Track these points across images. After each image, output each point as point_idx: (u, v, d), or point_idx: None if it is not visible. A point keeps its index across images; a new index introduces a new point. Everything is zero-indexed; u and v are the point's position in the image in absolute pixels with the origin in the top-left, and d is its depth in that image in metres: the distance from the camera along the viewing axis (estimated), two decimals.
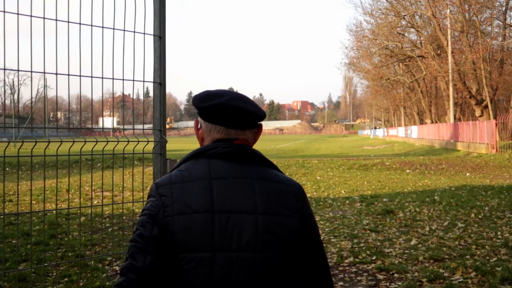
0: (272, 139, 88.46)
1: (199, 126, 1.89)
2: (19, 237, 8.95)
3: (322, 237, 8.65)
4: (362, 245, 8.05)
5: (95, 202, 13.43)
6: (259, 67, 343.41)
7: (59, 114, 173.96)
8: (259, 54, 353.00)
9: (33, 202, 13.58)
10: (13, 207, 12.86)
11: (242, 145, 1.80)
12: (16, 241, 8.64)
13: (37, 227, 9.99)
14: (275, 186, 1.78)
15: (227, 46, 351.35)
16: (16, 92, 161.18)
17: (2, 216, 10.87)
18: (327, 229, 9.40)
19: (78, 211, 11.92)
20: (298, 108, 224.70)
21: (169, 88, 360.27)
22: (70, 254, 7.70)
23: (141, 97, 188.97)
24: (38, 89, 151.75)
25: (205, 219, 1.67)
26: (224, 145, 1.78)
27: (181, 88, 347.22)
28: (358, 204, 12.36)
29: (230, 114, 1.77)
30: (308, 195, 14.17)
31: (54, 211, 11.79)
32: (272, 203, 1.74)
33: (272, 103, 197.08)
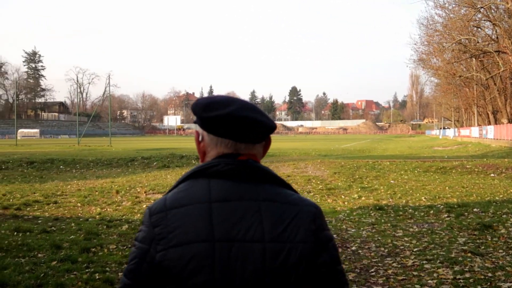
0: (336, 139, 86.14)
1: (200, 138, 1.60)
2: (47, 249, 7.63)
3: (410, 261, 6.95)
4: (467, 275, 6.21)
5: (144, 206, 12.07)
6: (323, 65, 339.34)
7: (125, 112, 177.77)
8: (323, 52, 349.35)
9: (79, 204, 12.40)
10: (55, 210, 11.69)
11: (247, 161, 1.52)
12: (42, 255, 7.34)
13: (72, 236, 8.68)
14: (287, 209, 1.49)
15: (290, 45, 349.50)
16: (85, 91, 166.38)
17: (38, 221, 9.98)
18: (415, 249, 7.61)
19: (123, 217, 10.63)
20: (363, 107, 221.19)
21: (233, 87, 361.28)
22: (97, 277, 6.26)
23: (205, 95, 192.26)
24: (105, 88, 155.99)
25: (204, 250, 1.42)
26: (226, 162, 1.50)
27: (244, 87, 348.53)
28: (445, 215, 10.48)
29: (240, 126, 1.49)
30: (383, 202, 12.42)
31: (97, 217, 10.57)
32: (282, 229, 1.45)
33: (335, 102, 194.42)
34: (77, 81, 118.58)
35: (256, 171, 1.52)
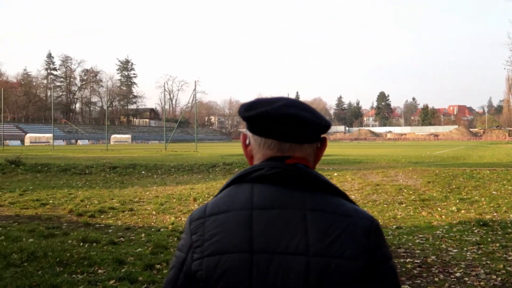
0: (427, 145, 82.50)
1: (247, 141, 1.50)
2: (109, 264, 6.97)
3: None
4: None
5: None
6: (411, 70, 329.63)
7: (212, 118, 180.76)
8: (411, 56, 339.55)
9: (153, 212, 11.83)
10: (129, 218, 11.17)
11: (295, 165, 1.39)
12: (103, 271, 6.67)
13: (139, 249, 8.01)
14: (337, 220, 1.34)
15: (379, 49, 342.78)
16: (175, 97, 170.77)
17: (110, 231, 9.48)
18: None
19: None
20: (455, 113, 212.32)
21: (319, 93, 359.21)
22: None
23: None
24: (191, 95, 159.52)
25: (241, 262, 1.31)
26: (271, 165, 1.38)
27: (331, 92, 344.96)
28: None
29: (281, 123, 1.37)
30: (487, 216, 10.95)
31: (170, 227, 9.89)
32: (330, 242, 1.31)
33: (426, 107, 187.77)
34: (164, 88, 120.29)
35: (304, 177, 1.38)
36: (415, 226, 10.15)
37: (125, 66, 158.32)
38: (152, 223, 10.55)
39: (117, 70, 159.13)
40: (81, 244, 8.34)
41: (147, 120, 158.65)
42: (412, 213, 11.69)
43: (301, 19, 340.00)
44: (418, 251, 7.97)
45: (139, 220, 10.92)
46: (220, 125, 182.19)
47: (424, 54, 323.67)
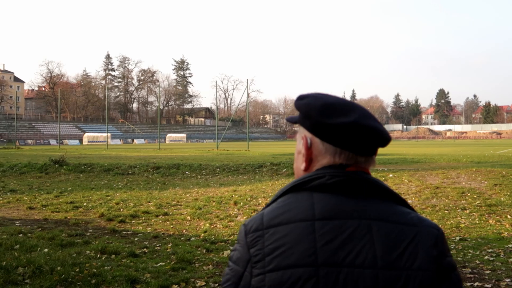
0: (489, 144, 78.96)
1: (309, 143, 1.40)
2: (119, 284, 6.02)
3: None
4: None
5: None
6: (472, 66, 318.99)
7: (267, 117, 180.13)
8: (473, 52, 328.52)
9: (188, 218, 10.89)
10: (160, 224, 10.27)
11: (356, 173, 1.35)
12: None
13: (160, 263, 7.05)
14: (403, 230, 1.30)
15: (436, 44, 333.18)
16: (229, 96, 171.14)
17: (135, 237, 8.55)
18: None
19: (230, 237, 8.88)
20: None
21: (376, 90, 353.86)
22: None
23: (348, 98, 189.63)
24: (242, 94, 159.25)
25: (307, 276, 1.24)
26: (333, 173, 1.34)
27: (388, 90, 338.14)
28: None
29: (366, 137, 1.34)
30: None
31: (201, 236, 8.92)
32: (398, 254, 1.27)
33: (488, 104, 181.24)
34: (216, 86, 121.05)
35: (367, 185, 1.34)
36: (482, 238, 8.78)
37: (181, 66, 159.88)
38: (184, 231, 9.60)
39: (173, 70, 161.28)
40: (98, 256, 7.47)
41: (202, 119, 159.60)
42: (477, 221, 10.28)
43: (356, 16, 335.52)
44: (488, 272, 6.65)
45: (171, 226, 10.00)
46: (274, 124, 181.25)
47: (487, 48, 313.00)
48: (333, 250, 1.25)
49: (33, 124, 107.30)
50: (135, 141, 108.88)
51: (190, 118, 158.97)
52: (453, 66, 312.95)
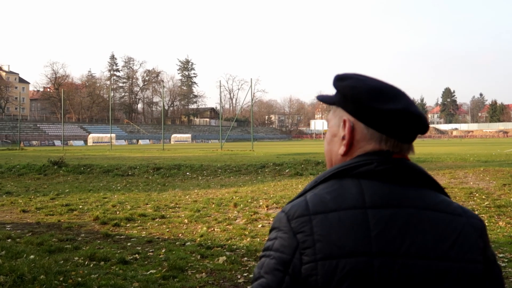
0: (496, 143, 78.21)
1: (352, 127, 1.34)
2: None
3: None
4: None
5: (260, 226, 9.85)
6: (478, 64, 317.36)
7: (272, 117, 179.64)
8: (478, 50, 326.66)
9: (185, 221, 10.49)
10: (156, 227, 9.87)
11: (402, 160, 1.31)
12: None
13: (150, 271, 6.65)
14: (451, 220, 1.27)
15: (440, 42, 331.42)
16: (235, 96, 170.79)
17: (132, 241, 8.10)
18: None
19: (227, 242, 8.49)
20: None
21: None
22: None
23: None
24: (246, 94, 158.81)
25: (362, 266, 1.19)
26: (381, 160, 1.29)
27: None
28: None
29: (412, 125, 1.30)
30: None
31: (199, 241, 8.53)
32: (449, 245, 1.24)
33: (494, 103, 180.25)
34: (220, 86, 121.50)
35: (414, 173, 1.30)
36: (492, 242, 8.33)
37: (186, 66, 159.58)
38: (180, 235, 9.20)
39: (178, 70, 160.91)
40: (87, 262, 7.08)
41: (208, 119, 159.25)
42: (487, 223, 9.83)
43: (359, 16, 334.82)
44: None
45: (167, 230, 9.60)
46: (280, 124, 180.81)
47: (493, 46, 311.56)
48: (388, 239, 1.21)
49: (38, 125, 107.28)
50: (140, 141, 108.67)
51: (195, 119, 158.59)
52: (459, 65, 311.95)
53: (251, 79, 56.92)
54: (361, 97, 1.30)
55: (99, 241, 8.64)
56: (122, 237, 9.06)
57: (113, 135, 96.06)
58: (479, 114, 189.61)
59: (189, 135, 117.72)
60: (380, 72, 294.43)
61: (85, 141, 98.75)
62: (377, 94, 1.29)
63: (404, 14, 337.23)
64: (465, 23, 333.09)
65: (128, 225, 10.16)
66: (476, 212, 10.88)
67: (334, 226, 1.21)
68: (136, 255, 7.54)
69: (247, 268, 6.87)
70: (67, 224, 10.14)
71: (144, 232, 9.44)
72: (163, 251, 7.83)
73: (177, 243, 8.47)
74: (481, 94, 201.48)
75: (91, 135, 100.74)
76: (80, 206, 12.48)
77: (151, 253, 7.71)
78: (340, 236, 1.20)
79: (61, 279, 6.09)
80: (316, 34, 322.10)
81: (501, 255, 7.40)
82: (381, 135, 1.30)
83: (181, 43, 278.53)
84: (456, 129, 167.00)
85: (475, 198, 12.78)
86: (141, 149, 58.73)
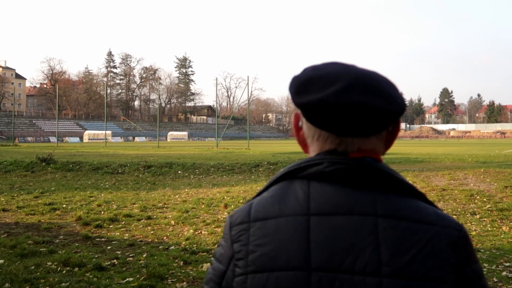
0: (494, 143, 77.83)
1: (300, 124, 1.23)
2: None
3: None
4: None
5: None
6: (477, 65, 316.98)
7: (270, 115, 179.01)
8: (476, 50, 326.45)
9: (172, 222, 9.96)
10: (141, 229, 9.33)
11: (362, 160, 1.12)
12: None
13: (127, 279, 6.12)
14: (417, 229, 1.07)
15: (439, 42, 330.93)
16: (232, 94, 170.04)
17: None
18: None
19: (214, 246, 7.93)
20: None
21: None
22: None
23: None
24: (251, 92, 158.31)
25: (296, 282, 1.06)
26: (332, 160, 1.12)
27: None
28: None
29: (343, 115, 1.09)
30: None
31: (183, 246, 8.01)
32: (409, 259, 1.04)
33: (492, 104, 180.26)
34: (217, 84, 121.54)
35: (374, 174, 1.11)
36: (496, 248, 7.82)
37: (183, 63, 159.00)
38: (165, 237, 8.66)
39: (175, 67, 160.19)
40: (60, 268, 6.55)
41: (205, 117, 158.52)
42: (489, 228, 9.32)
43: (358, 15, 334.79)
44: None
45: (151, 232, 9.06)
46: (277, 122, 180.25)
47: (491, 47, 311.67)
48: (330, 252, 1.05)
49: (33, 121, 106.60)
50: (136, 139, 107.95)
51: (192, 116, 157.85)
52: (457, 65, 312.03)
53: (248, 76, 56.46)
54: (290, 90, 1.16)
55: (77, 244, 8.10)
56: (102, 239, 8.52)
57: (109, 132, 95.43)
58: (477, 115, 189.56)
59: (185, 133, 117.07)
60: (377, 69, 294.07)
61: (81, 138, 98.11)
62: (303, 83, 1.12)
63: (403, 15, 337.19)
64: (464, 24, 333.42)
65: (111, 226, 9.61)
66: (478, 216, 10.39)
67: (272, 235, 1.09)
68: (115, 261, 7.00)
69: None
70: (47, 225, 9.59)
71: (127, 234, 8.91)
72: (144, 256, 7.29)
73: (160, 247, 7.93)
74: (478, 95, 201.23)
75: (86, 132, 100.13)
76: (64, 205, 11.94)
77: (130, 258, 7.17)
78: (276, 246, 1.08)
79: (27, 287, 5.56)
80: (315, 33, 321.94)
81: (507, 264, 6.87)
82: (323, 133, 1.14)
83: (179, 40, 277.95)
84: (453, 129, 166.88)
85: (476, 201, 12.27)
86: (136, 147, 58.18)
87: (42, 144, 69.14)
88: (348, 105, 1.06)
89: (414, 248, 1.04)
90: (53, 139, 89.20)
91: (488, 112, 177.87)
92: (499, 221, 9.97)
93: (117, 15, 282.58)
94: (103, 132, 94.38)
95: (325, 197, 1.10)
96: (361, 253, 1.04)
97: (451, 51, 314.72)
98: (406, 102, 1.25)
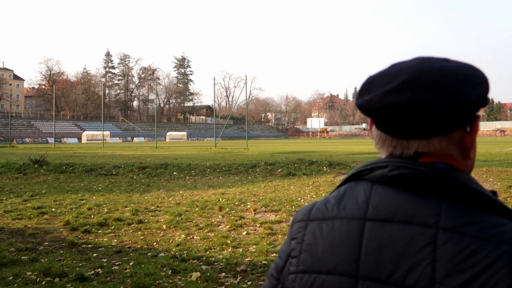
0: (494, 141, 77.41)
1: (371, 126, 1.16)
2: None
3: None
4: None
5: (244, 233, 8.93)
6: (475, 61, 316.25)
7: (269, 115, 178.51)
8: (473, 47, 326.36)
9: (164, 227, 9.55)
10: (131, 234, 8.93)
11: (431, 165, 1.01)
12: None
13: None
14: (481, 247, 0.92)
15: (434, 41, 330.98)
16: (231, 94, 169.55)
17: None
18: None
19: (205, 253, 7.56)
20: None
21: None
22: None
23: (350, 97, 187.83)
24: (250, 91, 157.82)
25: (342, 287, 1.01)
26: (398, 164, 1.04)
27: None
28: None
29: (389, 116, 1.03)
30: None
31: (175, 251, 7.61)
32: (467, 278, 0.91)
33: (491, 102, 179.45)
34: (214, 83, 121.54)
35: (443, 181, 0.99)
36: None
37: (182, 63, 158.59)
38: (155, 243, 8.24)
39: (174, 67, 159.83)
40: (40, 279, 6.14)
41: (204, 117, 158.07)
42: None
43: (356, 15, 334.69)
44: None
45: (141, 238, 8.65)
46: (276, 122, 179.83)
47: (489, 45, 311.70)
48: (381, 261, 0.98)
49: (31, 123, 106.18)
50: (135, 139, 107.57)
51: (191, 116, 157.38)
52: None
53: (246, 76, 56.11)
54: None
55: (61, 251, 7.68)
56: (89, 246, 8.10)
57: (108, 132, 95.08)
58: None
59: (184, 133, 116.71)
60: (376, 70, 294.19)
61: (79, 139, 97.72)
62: (367, 84, 1.08)
63: (399, 15, 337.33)
64: (464, 24, 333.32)
65: (100, 231, 9.20)
66: None
67: (324, 236, 1.06)
68: (99, 270, 6.58)
69: (223, 287, 5.93)
70: (33, 230, 9.18)
71: (116, 240, 8.50)
72: (131, 264, 6.87)
73: (149, 254, 7.51)
74: None
75: (85, 133, 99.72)
76: (53, 209, 11.52)
77: (116, 267, 6.75)
78: (326, 248, 1.04)
79: None
80: (313, 33, 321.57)
81: None
82: (386, 136, 1.06)
83: (177, 40, 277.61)
84: None
85: None
86: (134, 147, 57.78)
87: (40, 145, 68.73)
88: (393, 105, 0.99)
89: (474, 268, 0.90)
90: (51, 140, 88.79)
91: (488, 110, 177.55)
92: None
93: (115, 15, 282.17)
94: (101, 132, 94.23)
95: (385, 203, 1.02)
96: (414, 266, 0.94)
97: (450, 50, 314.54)
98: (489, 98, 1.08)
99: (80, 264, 6.85)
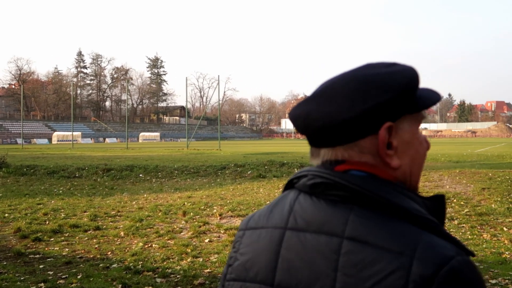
0: (465, 142, 78.25)
1: None
2: None
3: None
4: None
5: (207, 240, 8.38)
6: (447, 64, 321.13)
7: (243, 115, 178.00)
8: (446, 50, 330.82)
9: (122, 234, 8.95)
10: (85, 242, 8.31)
11: (345, 173, 1.01)
12: None
13: None
14: (380, 257, 0.91)
15: (408, 43, 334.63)
16: (205, 95, 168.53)
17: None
18: None
19: (162, 264, 7.00)
20: (493, 109, 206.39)
21: None
22: None
23: None
24: (224, 92, 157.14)
25: None
26: (315, 172, 1.04)
27: None
28: None
29: (297, 127, 1.08)
30: None
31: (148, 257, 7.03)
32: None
33: (462, 103, 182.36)
34: (186, 83, 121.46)
35: (351, 190, 0.99)
36: (480, 261, 7.00)
37: (155, 63, 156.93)
38: (109, 252, 7.66)
39: (147, 67, 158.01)
40: None
41: (177, 117, 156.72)
42: (469, 236, 8.55)
43: (329, 18, 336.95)
44: None
45: (95, 246, 8.05)
46: (251, 123, 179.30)
47: (460, 47, 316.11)
48: (293, 271, 0.99)
49: (0, 123, 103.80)
50: (107, 140, 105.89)
51: (164, 117, 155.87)
52: (428, 66, 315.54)
53: (219, 76, 55.46)
54: None
55: (5, 263, 7.05)
56: (37, 256, 7.48)
57: (79, 133, 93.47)
58: (448, 114, 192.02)
59: (157, 134, 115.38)
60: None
61: (50, 139, 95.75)
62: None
63: (385, 18, 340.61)
64: (434, 26, 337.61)
65: (52, 239, 8.57)
66: (456, 222, 9.63)
67: (252, 244, 1.08)
68: (42, 284, 5.99)
69: None
70: None
71: (67, 249, 7.88)
72: (78, 277, 6.29)
73: (101, 265, 6.92)
74: (449, 95, 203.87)
75: (55, 133, 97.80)
76: (6, 215, 10.83)
77: (62, 281, 6.16)
78: (251, 257, 1.07)
79: None
80: (287, 34, 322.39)
81: (493, 282, 6.06)
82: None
83: (151, 40, 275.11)
84: (425, 128, 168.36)
85: (453, 204, 11.50)
86: (104, 148, 56.66)
87: (7, 146, 67.02)
88: (297, 116, 1.04)
89: (371, 279, 0.89)
90: (20, 141, 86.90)
91: (459, 111, 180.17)
92: (479, 227, 9.22)
93: (87, 14, 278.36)
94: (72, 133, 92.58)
95: (303, 212, 1.03)
96: (320, 276, 0.95)
97: (422, 52, 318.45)
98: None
99: (22, 278, 6.25)
